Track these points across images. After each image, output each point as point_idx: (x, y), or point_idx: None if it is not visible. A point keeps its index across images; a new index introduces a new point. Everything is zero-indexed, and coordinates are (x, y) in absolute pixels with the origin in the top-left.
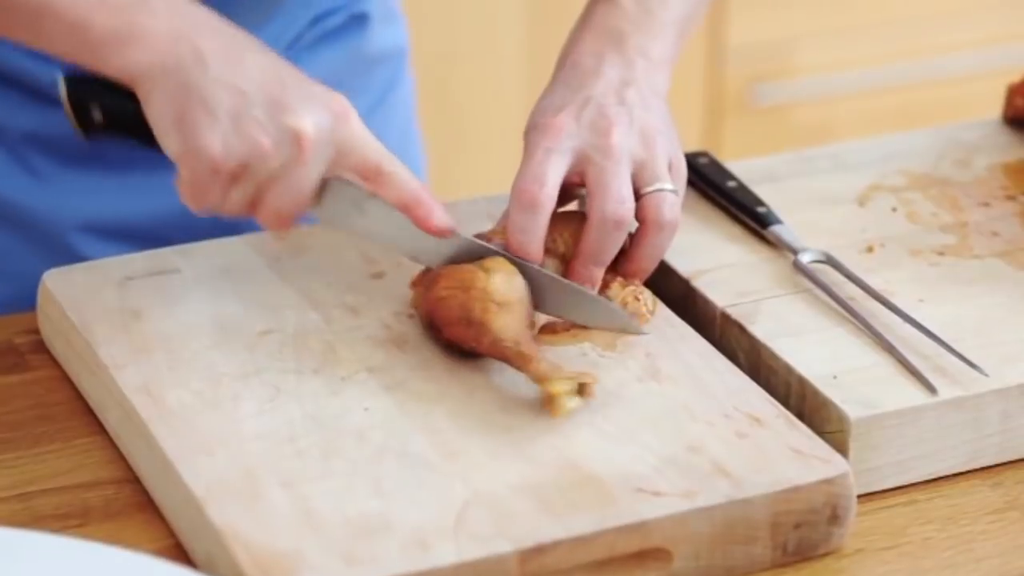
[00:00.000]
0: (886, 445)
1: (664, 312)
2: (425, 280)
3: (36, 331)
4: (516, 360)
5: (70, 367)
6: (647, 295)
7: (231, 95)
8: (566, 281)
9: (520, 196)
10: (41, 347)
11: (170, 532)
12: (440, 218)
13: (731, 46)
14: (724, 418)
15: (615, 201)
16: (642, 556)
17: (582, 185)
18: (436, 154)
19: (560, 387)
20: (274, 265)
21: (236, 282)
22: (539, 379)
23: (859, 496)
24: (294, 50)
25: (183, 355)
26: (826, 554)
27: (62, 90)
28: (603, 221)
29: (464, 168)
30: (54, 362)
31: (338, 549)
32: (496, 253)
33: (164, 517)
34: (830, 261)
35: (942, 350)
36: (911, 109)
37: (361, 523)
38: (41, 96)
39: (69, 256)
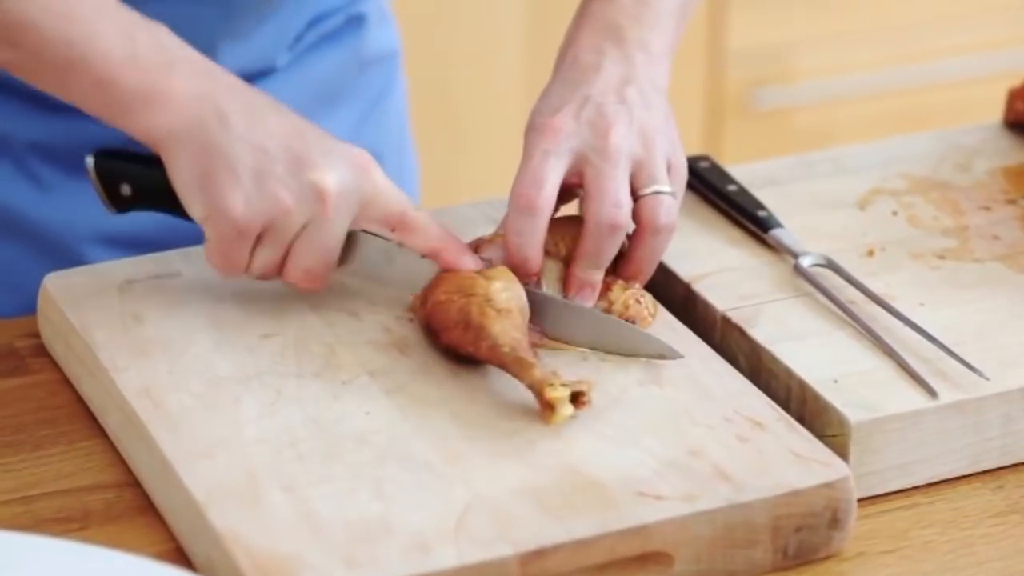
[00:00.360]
0: (887, 449)
1: (665, 316)
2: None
3: (37, 334)
4: (513, 365)
5: (71, 370)
6: (648, 298)
7: (253, 154)
8: (601, 313)
9: (518, 200)
10: (42, 350)
11: (171, 536)
12: (468, 262)
13: (732, 50)
14: (725, 422)
15: (611, 205)
16: (643, 560)
17: (581, 186)
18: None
19: (556, 393)
20: None
21: (237, 286)
22: (535, 386)
23: (860, 500)
24: (294, 52)
25: (184, 358)
26: (827, 558)
27: (91, 167)
28: (599, 226)
29: (463, 171)
30: (55, 365)
31: (339, 552)
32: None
33: (165, 520)
34: (831, 265)
35: (943, 354)
36: (912, 113)
37: (362, 526)
38: (46, 106)
39: (71, 264)
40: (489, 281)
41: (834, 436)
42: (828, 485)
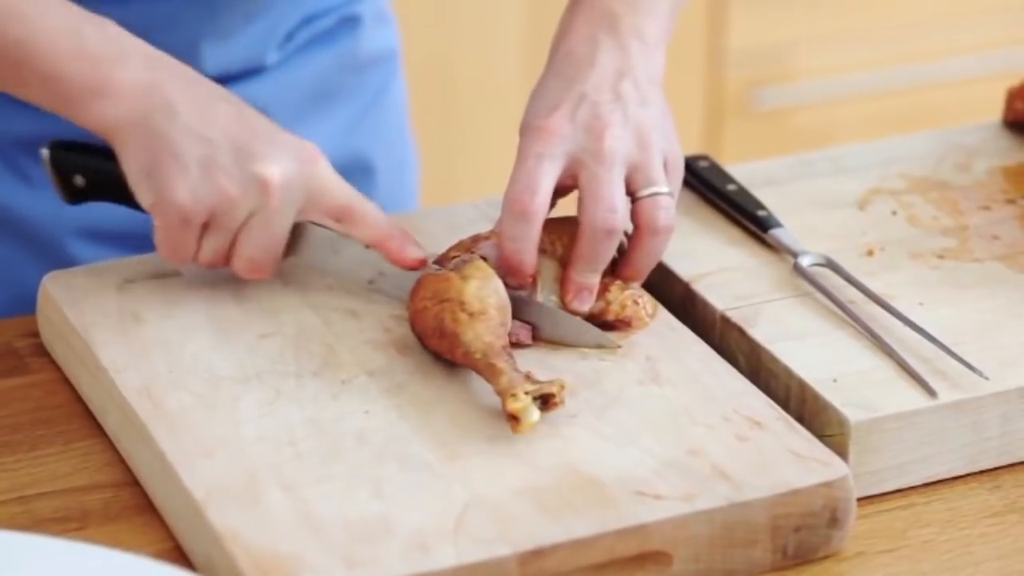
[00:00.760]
0: (886, 448)
1: (664, 315)
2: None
3: (36, 334)
4: (484, 372)
5: (70, 370)
6: (647, 299)
7: (200, 144)
8: (538, 300)
9: (512, 205)
10: (41, 350)
11: (170, 535)
12: (412, 251)
13: (731, 50)
14: (724, 421)
15: (605, 210)
16: (642, 559)
17: (575, 188)
18: (435, 157)
19: (516, 404)
20: None
21: (236, 285)
22: (500, 395)
23: (859, 499)
24: (285, 51)
25: (183, 358)
26: (826, 557)
27: (45, 159)
28: (594, 231)
29: (463, 171)
30: (54, 365)
31: (338, 552)
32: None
33: (164, 520)
34: (830, 264)
35: (942, 353)
36: (911, 113)
37: (361, 526)
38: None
39: (66, 262)
40: (465, 282)
41: (833, 435)
42: (827, 484)
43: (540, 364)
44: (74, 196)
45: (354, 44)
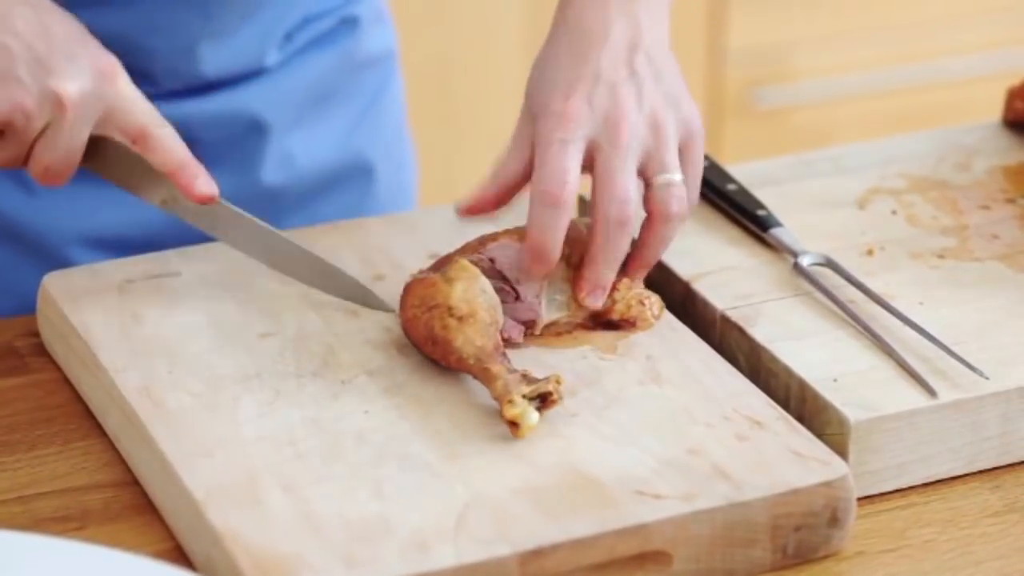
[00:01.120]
0: (886, 448)
1: (665, 315)
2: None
3: (36, 334)
4: (479, 377)
5: (70, 370)
6: (654, 300)
7: None
8: (307, 250)
9: (544, 198)
10: (41, 350)
11: (170, 535)
12: (203, 185)
13: (731, 50)
14: (724, 421)
15: (619, 201)
16: (642, 559)
17: (589, 171)
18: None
19: (514, 411)
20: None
21: (236, 285)
22: (498, 399)
23: (859, 499)
24: (284, 52)
25: (183, 358)
26: (826, 557)
27: None
28: (607, 222)
29: (463, 170)
30: (54, 365)
31: (338, 552)
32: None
33: (164, 520)
34: (830, 264)
35: (942, 353)
36: (911, 112)
37: (361, 526)
38: None
39: (64, 267)
40: (450, 285)
41: (833, 435)
42: (827, 484)
43: (537, 363)
44: None
45: (353, 45)
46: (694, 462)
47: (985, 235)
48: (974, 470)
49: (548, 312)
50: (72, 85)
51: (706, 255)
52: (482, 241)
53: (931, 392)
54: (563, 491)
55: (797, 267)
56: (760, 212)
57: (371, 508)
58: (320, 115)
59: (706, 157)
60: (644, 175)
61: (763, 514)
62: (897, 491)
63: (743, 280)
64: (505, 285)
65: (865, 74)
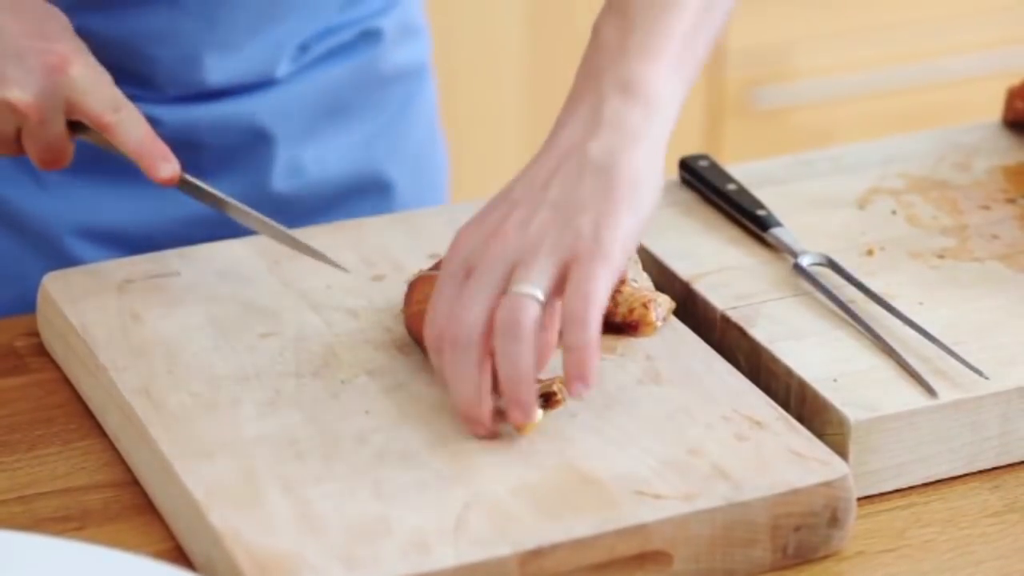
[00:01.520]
0: (886, 448)
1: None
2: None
3: (36, 334)
4: None
5: (70, 370)
6: (662, 300)
7: None
8: (276, 226)
9: (432, 349)
10: (41, 350)
11: (170, 535)
12: (163, 169)
13: (731, 50)
14: (724, 421)
15: (452, 324)
16: (642, 559)
17: None
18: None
19: None
20: (274, 268)
21: (235, 285)
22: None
23: (859, 499)
24: (299, 63)
25: (183, 358)
26: (826, 557)
27: None
28: (447, 345)
29: (462, 170)
30: (54, 365)
31: (338, 552)
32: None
33: (164, 520)
34: (830, 264)
35: (942, 353)
36: (911, 112)
37: (361, 526)
38: None
39: (66, 261)
40: None
41: (833, 435)
42: (827, 484)
43: None
44: None
45: (375, 58)
46: (694, 462)
47: (985, 235)
48: (974, 470)
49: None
50: (23, 91)
51: (706, 255)
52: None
53: (931, 392)
54: (563, 491)
55: (797, 267)
56: (760, 212)
57: (371, 508)
58: (334, 127)
59: (706, 157)
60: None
61: (763, 514)
62: (897, 491)
63: (743, 280)
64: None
65: (865, 74)
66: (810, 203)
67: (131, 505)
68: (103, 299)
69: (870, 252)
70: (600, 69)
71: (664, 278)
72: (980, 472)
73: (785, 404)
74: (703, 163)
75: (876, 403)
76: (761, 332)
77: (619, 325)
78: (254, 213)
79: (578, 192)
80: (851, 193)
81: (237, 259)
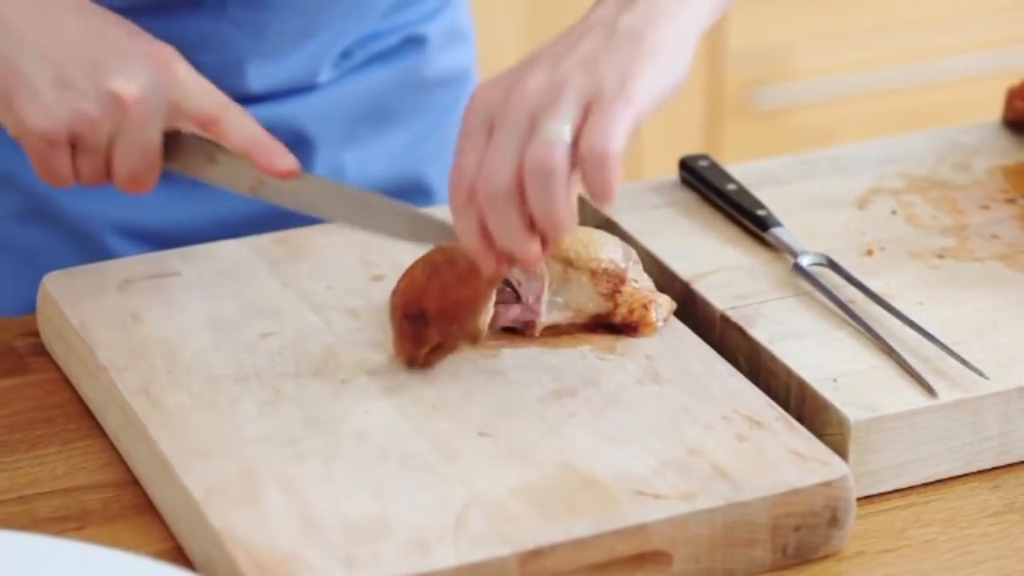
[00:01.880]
0: (886, 448)
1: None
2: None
3: (36, 334)
4: None
5: (70, 370)
6: (662, 300)
7: (49, 64)
8: (397, 204)
9: (451, 198)
10: (41, 350)
11: (169, 535)
12: (283, 160)
13: (731, 50)
14: (724, 421)
15: (484, 177)
16: (642, 559)
17: None
18: None
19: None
20: (273, 268)
21: (235, 285)
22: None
23: (859, 499)
24: (340, 69)
25: (183, 358)
26: (826, 556)
27: None
28: (481, 200)
29: None
30: (54, 365)
31: (337, 552)
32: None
33: (163, 520)
34: (830, 264)
35: (942, 353)
36: (911, 112)
37: (361, 526)
38: None
39: (104, 258)
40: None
41: (833, 435)
42: (827, 484)
43: (537, 363)
44: None
45: (418, 64)
46: (694, 462)
47: (985, 235)
48: (974, 470)
49: (548, 314)
50: (130, 83)
51: (706, 255)
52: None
53: (931, 392)
54: (563, 491)
55: (797, 267)
56: (760, 212)
57: (371, 508)
58: (375, 132)
59: (706, 157)
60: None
61: (763, 514)
62: (897, 491)
63: (743, 280)
64: (505, 287)
65: (865, 74)
66: (810, 203)
67: (131, 505)
68: (103, 299)
69: (870, 252)
70: None
71: (664, 278)
72: (980, 472)
73: (785, 404)
74: (703, 163)
75: (876, 403)
76: (761, 332)
77: (619, 325)
78: (380, 204)
79: (605, 51)
80: (851, 193)
81: (237, 259)
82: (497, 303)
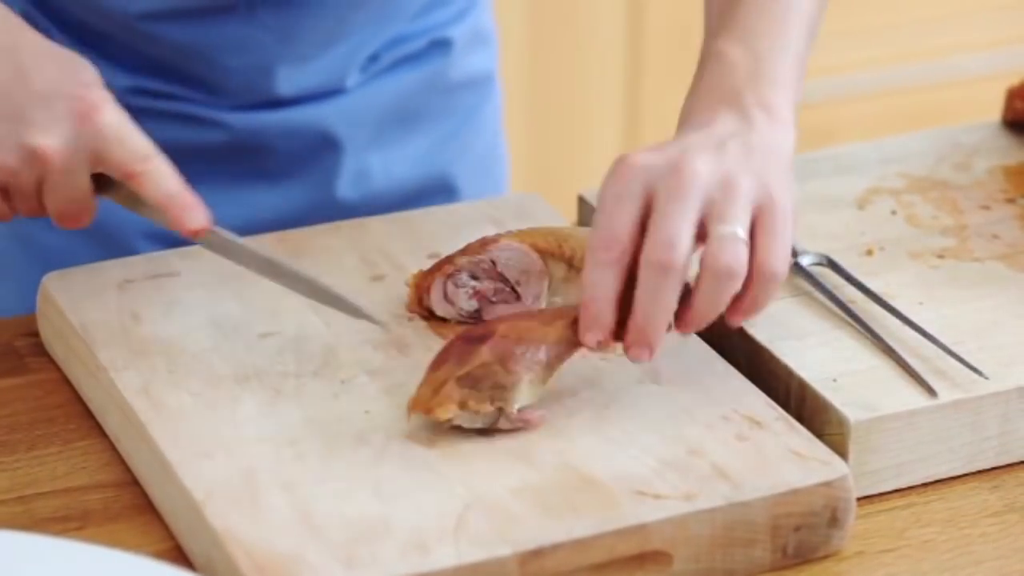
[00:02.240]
0: (886, 448)
1: None
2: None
3: (36, 334)
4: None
5: (70, 370)
6: None
7: None
8: (301, 273)
9: (595, 253)
10: (41, 350)
11: (170, 535)
12: (193, 219)
13: None
14: (724, 421)
15: (662, 245)
16: (642, 559)
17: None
18: None
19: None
20: None
21: (235, 285)
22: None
23: (858, 499)
24: (368, 72)
25: (183, 358)
26: (826, 556)
27: None
28: (648, 264)
29: None
30: (54, 365)
31: (338, 552)
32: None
33: (164, 520)
34: (830, 264)
35: (942, 353)
36: (911, 112)
37: (361, 526)
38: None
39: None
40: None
41: (833, 435)
42: (827, 484)
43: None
44: None
45: (444, 66)
46: (694, 462)
47: (985, 235)
48: (974, 470)
49: None
50: (50, 138)
51: None
52: (483, 243)
53: (931, 392)
54: (563, 491)
55: (797, 267)
56: None
57: (371, 508)
58: (402, 135)
59: None
60: (703, 229)
61: (763, 514)
62: (897, 491)
63: None
64: (505, 287)
65: (866, 73)
66: (810, 203)
67: (131, 505)
68: (103, 299)
69: (870, 252)
70: (737, 91)
71: None
72: (980, 472)
73: (785, 404)
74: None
75: (876, 403)
76: (761, 332)
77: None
78: (286, 266)
79: (750, 160)
80: (851, 193)
81: None
82: (497, 303)
